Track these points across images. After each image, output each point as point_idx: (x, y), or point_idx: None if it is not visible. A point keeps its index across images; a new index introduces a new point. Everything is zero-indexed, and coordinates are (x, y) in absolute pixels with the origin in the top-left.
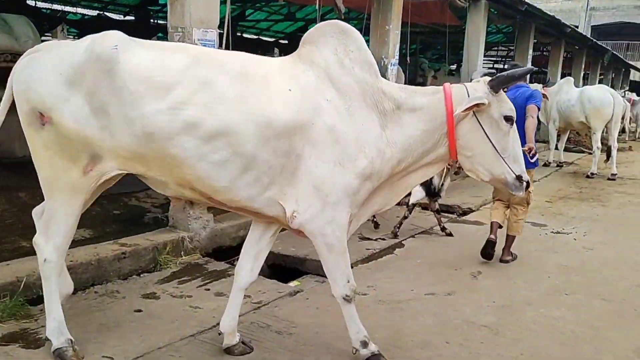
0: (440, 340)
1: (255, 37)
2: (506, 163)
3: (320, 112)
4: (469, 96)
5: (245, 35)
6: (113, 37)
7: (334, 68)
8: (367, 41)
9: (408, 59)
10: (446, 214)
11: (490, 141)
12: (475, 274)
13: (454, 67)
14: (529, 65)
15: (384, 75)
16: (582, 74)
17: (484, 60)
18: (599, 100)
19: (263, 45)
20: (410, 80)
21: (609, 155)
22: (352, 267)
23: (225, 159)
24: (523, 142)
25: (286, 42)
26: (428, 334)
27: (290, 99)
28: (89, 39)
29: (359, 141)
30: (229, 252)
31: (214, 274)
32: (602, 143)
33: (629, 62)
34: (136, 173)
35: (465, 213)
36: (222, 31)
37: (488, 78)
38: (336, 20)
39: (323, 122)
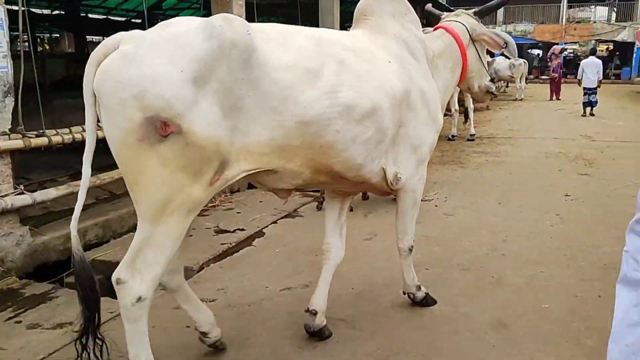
0: (292, 346)
1: (103, 17)
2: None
3: (412, 78)
4: (467, 29)
5: (90, 15)
6: (239, 21)
7: (404, 34)
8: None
9: None
10: (312, 193)
11: (481, 59)
12: None
13: None
14: None
15: None
16: None
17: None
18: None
19: (117, 26)
20: None
21: (466, 117)
22: (202, 268)
23: (370, 137)
24: None
25: (139, 20)
26: (278, 339)
27: (395, 70)
28: (197, 25)
29: (434, 99)
30: (56, 268)
31: (31, 299)
32: (459, 105)
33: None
34: (267, 169)
35: None
36: (16, 7)
37: (470, 11)
38: None
39: (416, 87)
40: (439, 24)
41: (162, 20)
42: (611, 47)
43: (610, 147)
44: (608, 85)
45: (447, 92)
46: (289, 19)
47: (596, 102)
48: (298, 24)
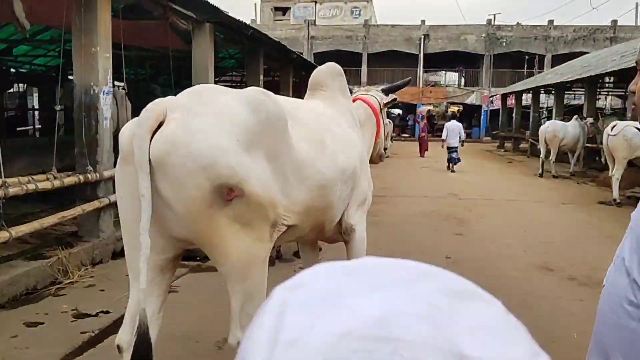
0: None
1: None
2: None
3: (361, 143)
4: (378, 102)
5: None
6: (274, 95)
7: (349, 105)
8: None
9: (125, 84)
10: (187, 262)
11: (384, 125)
12: (221, 343)
13: None
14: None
15: (95, 106)
16: None
17: (220, 85)
18: None
19: None
20: (143, 107)
21: None
22: None
23: (347, 195)
24: None
25: None
26: None
27: (356, 137)
28: (241, 97)
29: (367, 161)
30: None
31: None
32: None
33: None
34: (293, 225)
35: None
36: None
37: (379, 88)
38: (333, 63)
39: (363, 151)
40: (354, 96)
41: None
42: (461, 108)
43: (477, 205)
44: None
45: (368, 153)
46: (157, 70)
47: (458, 159)
48: (170, 78)
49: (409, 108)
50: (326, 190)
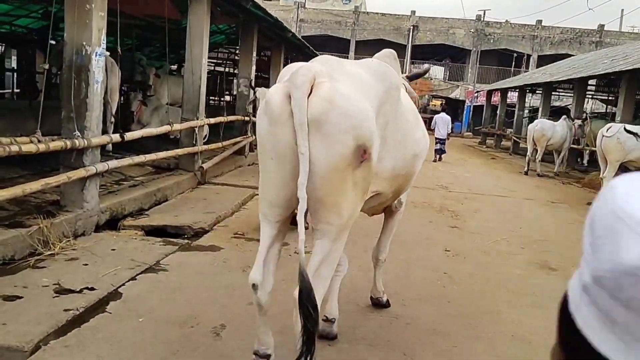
0: None
1: None
2: None
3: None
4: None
5: None
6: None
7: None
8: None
9: (120, 50)
10: (175, 239)
11: None
12: (218, 330)
13: (174, 67)
14: (254, 67)
15: (87, 67)
16: None
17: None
18: None
19: None
20: (129, 78)
21: None
22: (38, 347)
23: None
24: None
25: None
26: None
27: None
28: (371, 66)
29: None
30: None
31: None
32: None
33: None
34: (378, 192)
35: (197, 234)
36: None
37: (404, 76)
38: (391, 49)
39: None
40: None
41: None
42: (444, 102)
43: (468, 199)
44: None
45: None
46: (144, 41)
47: (444, 151)
48: (155, 50)
49: None
50: (416, 160)
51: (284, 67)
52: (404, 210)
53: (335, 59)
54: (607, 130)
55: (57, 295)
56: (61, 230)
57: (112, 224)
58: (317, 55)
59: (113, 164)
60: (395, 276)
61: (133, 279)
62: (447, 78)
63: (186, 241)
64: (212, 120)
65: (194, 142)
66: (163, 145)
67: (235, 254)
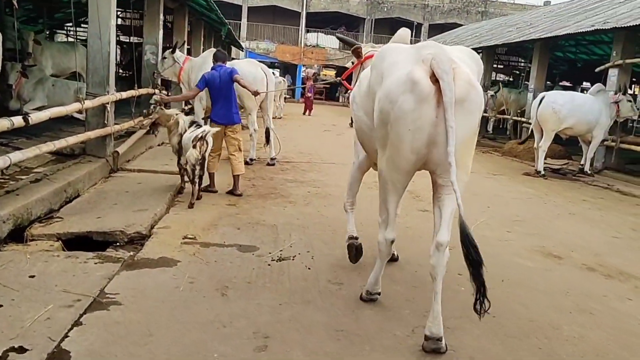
0: None
1: None
2: None
3: None
4: None
5: None
6: None
7: None
8: None
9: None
10: (109, 252)
11: None
12: None
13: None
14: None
15: None
16: (201, 48)
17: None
18: (251, 77)
19: None
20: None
21: (267, 138)
22: None
23: None
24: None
25: None
26: None
27: None
28: (462, 49)
29: None
30: None
31: None
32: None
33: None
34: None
35: (133, 241)
36: None
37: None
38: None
39: None
40: (369, 53)
41: None
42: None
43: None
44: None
45: None
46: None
47: None
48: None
49: (289, 69)
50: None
51: (188, 33)
52: None
53: (441, 44)
54: (540, 100)
55: None
56: None
57: (17, 234)
58: (224, 22)
59: (16, 157)
60: (398, 267)
61: (77, 323)
62: (342, 47)
63: (127, 254)
64: (125, 95)
65: (105, 122)
66: (56, 125)
67: (198, 268)
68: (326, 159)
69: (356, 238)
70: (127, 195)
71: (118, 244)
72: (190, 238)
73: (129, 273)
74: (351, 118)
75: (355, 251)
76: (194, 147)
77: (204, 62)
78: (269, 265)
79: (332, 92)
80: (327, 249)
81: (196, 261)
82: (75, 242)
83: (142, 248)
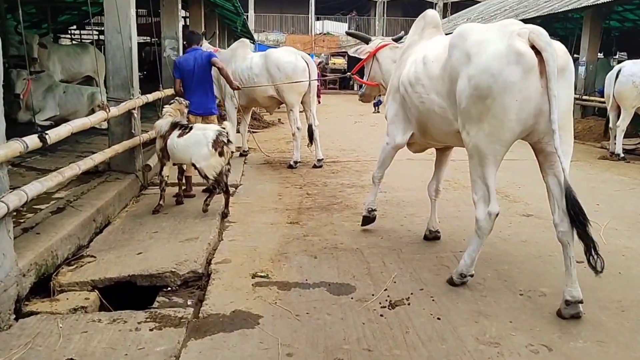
0: None
1: None
2: None
3: None
4: None
5: None
6: None
7: None
8: None
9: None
10: (164, 312)
11: None
12: None
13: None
14: (181, 25)
15: None
16: (217, 42)
17: None
18: (291, 67)
19: None
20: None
21: (311, 137)
22: None
23: None
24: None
25: None
26: None
27: None
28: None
29: None
30: None
31: None
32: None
33: None
34: None
35: (187, 283)
36: None
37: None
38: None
39: None
40: (384, 43)
41: None
42: (345, 61)
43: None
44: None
45: None
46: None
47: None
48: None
49: None
50: None
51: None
52: None
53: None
54: (617, 73)
55: None
56: None
57: (41, 286)
58: (240, 11)
59: (34, 190)
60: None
61: None
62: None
63: (188, 310)
64: (151, 97)
65: (133, 131)
66: (71, 135)
67: (289, 326)
68: (375, 155)
69: (375, 210)
70: (167, 219)
71: (169, 288)
72: (261, 276)
73: (201, 344)
74: (374, 104)
75: (369, 223)
76: (220, 154)
77: (233, 54)
78: (382, 316)
79: (347, 81)
80: (443, 283)
81: (282, 314)
82: (114, 290)
83: (205, 296)
